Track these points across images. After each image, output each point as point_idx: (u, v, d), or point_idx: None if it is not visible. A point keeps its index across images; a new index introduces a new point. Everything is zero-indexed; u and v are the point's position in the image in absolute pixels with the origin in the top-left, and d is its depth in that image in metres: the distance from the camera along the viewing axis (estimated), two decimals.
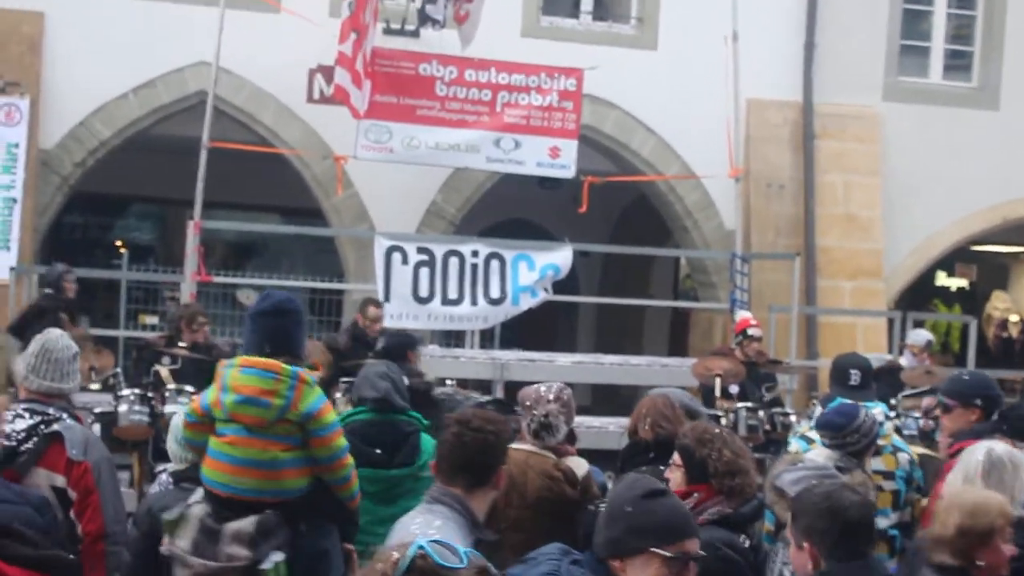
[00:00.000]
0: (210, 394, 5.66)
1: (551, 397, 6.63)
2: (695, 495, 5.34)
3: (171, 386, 10.70)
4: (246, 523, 5.38)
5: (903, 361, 13.30)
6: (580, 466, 6.40)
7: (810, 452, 6.86)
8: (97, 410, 10.36)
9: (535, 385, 6.85)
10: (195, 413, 5.71)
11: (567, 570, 4.00)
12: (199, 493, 5.58)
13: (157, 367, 11.09)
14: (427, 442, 6.78)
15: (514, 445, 6.39)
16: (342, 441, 5.75)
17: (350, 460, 5.76)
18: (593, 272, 21.30)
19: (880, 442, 7.17)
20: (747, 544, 5.30)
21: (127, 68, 15.98)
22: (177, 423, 6.15)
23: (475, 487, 4.99)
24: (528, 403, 6.64)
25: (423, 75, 15.73)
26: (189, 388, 10.51)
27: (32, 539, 3.32)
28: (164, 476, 6.57)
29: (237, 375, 5.57)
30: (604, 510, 4.12)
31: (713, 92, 16.33)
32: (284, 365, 5.59)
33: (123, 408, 10.34)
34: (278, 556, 5.30)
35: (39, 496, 5.66)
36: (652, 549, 3.88)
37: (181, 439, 5.99)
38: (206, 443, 5.68)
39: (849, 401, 7.33)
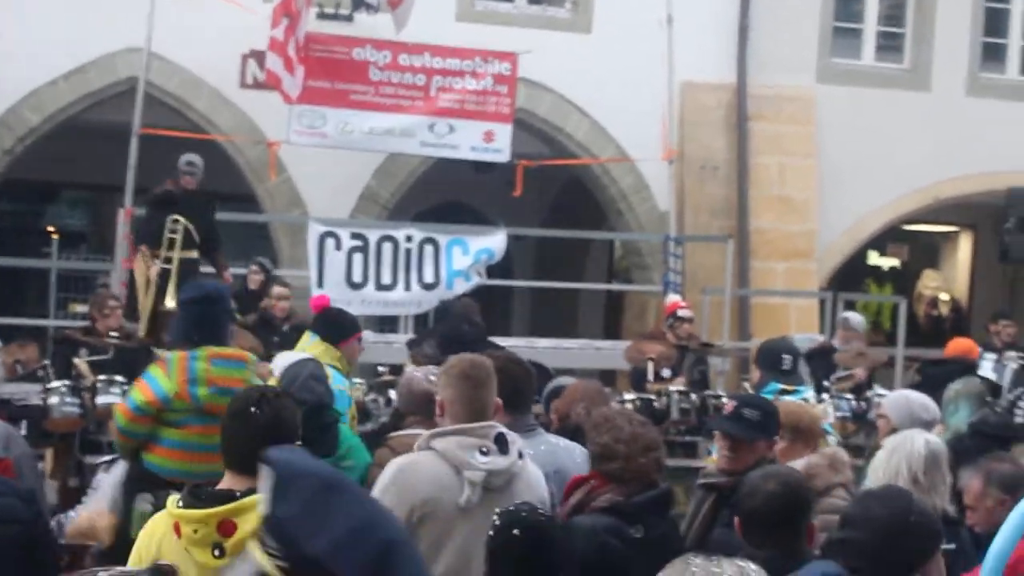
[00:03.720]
0: (167, 384, 5.72)
1: (431, 378, 6.51)
2: (591, 481, 5.28)
3: (101, 377, 10.59)
4: None
5: (835, 342, 13.42)
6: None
7: None
8: (25, 403, 10.24)
9: (423, 374, 6.80)
10: (150, 405, 5.77)
11: None
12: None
13: (75, 360, 10.95)
14: (346, 432, 6.83)
15: (403, 432, 6.39)
16: None
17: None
18: (528, 256, 21.31)
19: None
20: (639, 535, 5.09)
21: (57, 54, 15.80)
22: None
23: None
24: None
25: (357, 60, 15.70)
26: (119, 378, 10.44)
27: None
28: (113, 473, 6.49)
29: (210, 368, 5.70)
30: (875, 532, 4.19)
31: (647, 75, 16.40)
32: (248, 353, 5.78)
33: (54, 400, 10.23)
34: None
35: (28, 489, 5.64)
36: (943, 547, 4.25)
37: (120, 428, 5.96)
38: (145, 435, 5.72)
39: (782, 385, 7.43)
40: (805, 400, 7.29)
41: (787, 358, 7.56)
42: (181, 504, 4.11)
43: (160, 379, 5.79)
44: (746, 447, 5.61)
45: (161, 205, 13.15)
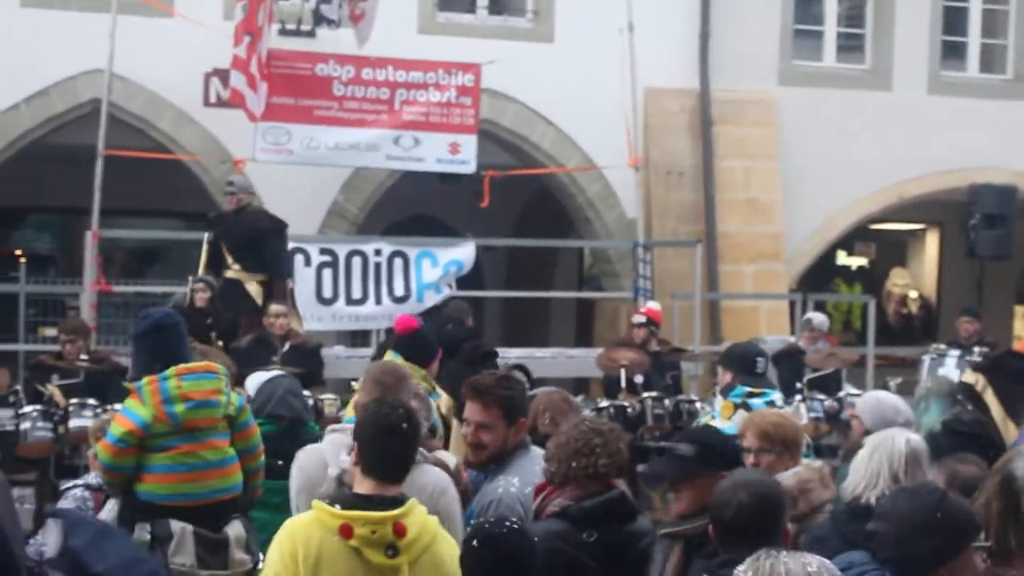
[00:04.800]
0: (143, 412, 5.74)
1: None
2: (548, 487, 5.33)
3: (73, 400, 10.57)
4: (238, 528, 5.81)
5: (803, 344, 13.48)
6: (450, 459, 6.42)
7: None
8: None
9: None
10: (131, 435, 5.78)
11: None
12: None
13: (48, 386, 10.92)
14: None
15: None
16: (259, 431, 6.17)
17: (263, 450, 6.13)
18: (498, 266, 21.34)
19: None
20: (591, 539, 5.12)
21: (17, 78, 15.73)
22: None
23: None
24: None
25: (320, 75, 15.66)
26: (92, 401, 10.42)
27: None
28: (78, 492, 6.52)
29: (181, 384, 5.76)
30: (901, 525, 4.30)
31: (610, 83, 16.41)
32: (216, 364, 5.85)
33: (26, 425, 10.22)
34: (262, 555, 5.56)
35: None
36: (974, 544, 4.25)
37: (106, 465, 5.93)
38: (132, 467, 5.74)
39: (750, 388, 7.47)
40: (772, 403, 7.32)
41: (760, 360, 7.60)
42: (339, 507, 4.45)
43: (136, 408, 5.80)
44: (688, 485, 5.24)
45: (210, 226, 13.60)
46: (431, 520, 4.66)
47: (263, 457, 6.14)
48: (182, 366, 5.86)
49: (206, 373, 5.88)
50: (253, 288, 13.28)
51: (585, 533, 5.11)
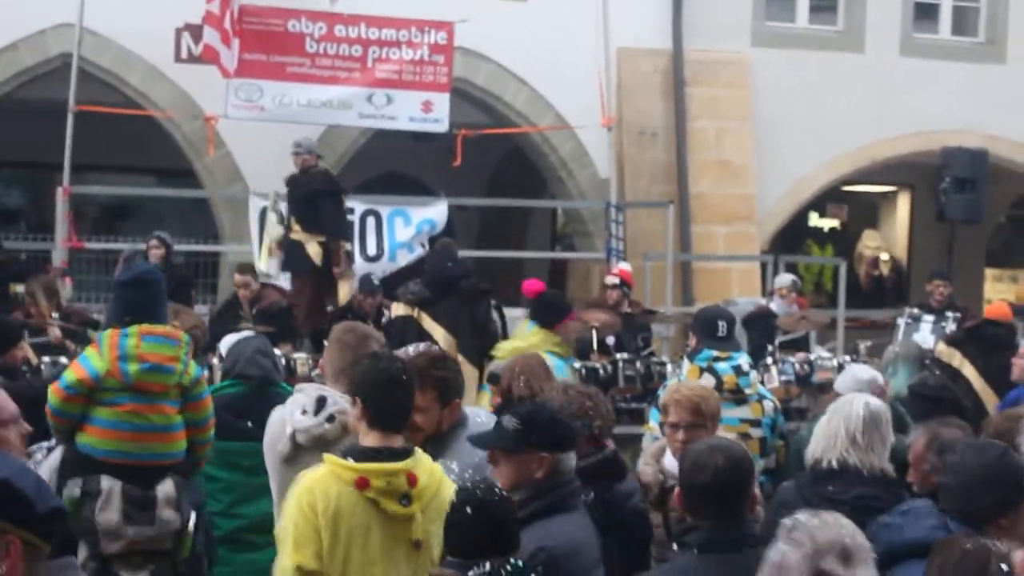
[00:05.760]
0: (99, 363, 5.75)
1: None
2: None
3: (46, 358, 10.54)
4: (168, 487, 5.77)
5: (773, 306, 13.51)
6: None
7: None
8: None
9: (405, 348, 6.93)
10: (82, 384, 5.79)
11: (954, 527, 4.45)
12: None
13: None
14: None
15: None
16: (211, 404, 6.16)
17: (214, 422, 6.14)
18: (470, 225, 21.30)
19: (747, 391, 7.35)
20: (590, 498, 5.21)
21: None
22: None
23: None
24: None
25: (292, 32, 15.61)
26: (64, 360, 10.39)
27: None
28: (41, 456, 6.51)
29: (140, 344, 5.77)
30: (967, 477, 4.57)
31: (584, 42, 16.39)
32: (180, 331, 5.84)
33: None
34: (195, 515, 5.74)
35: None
36: None
37: (53, 409, 5.94)
38: (79, 415, 5.74)
39: (716, 352, 7.50)
40: (738, 367, 7.35)
41: (722, 324, 7.59)
42: (352, 460, 4.58)
43: (92, 358, 5.82)
44: (508, 460, 4.87)
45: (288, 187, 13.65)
46: (436, 467, 4.82)
47: (212, 431, 6.14)
48: (146, 326, 5.86)
49: (167, 338, 5.88)
50: (312, 249, 13.22)
51: (583, 493, 5.16)
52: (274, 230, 13.92)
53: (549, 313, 8.16)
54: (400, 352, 5.48)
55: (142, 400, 5.80)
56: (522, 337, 8.06)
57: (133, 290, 6.07)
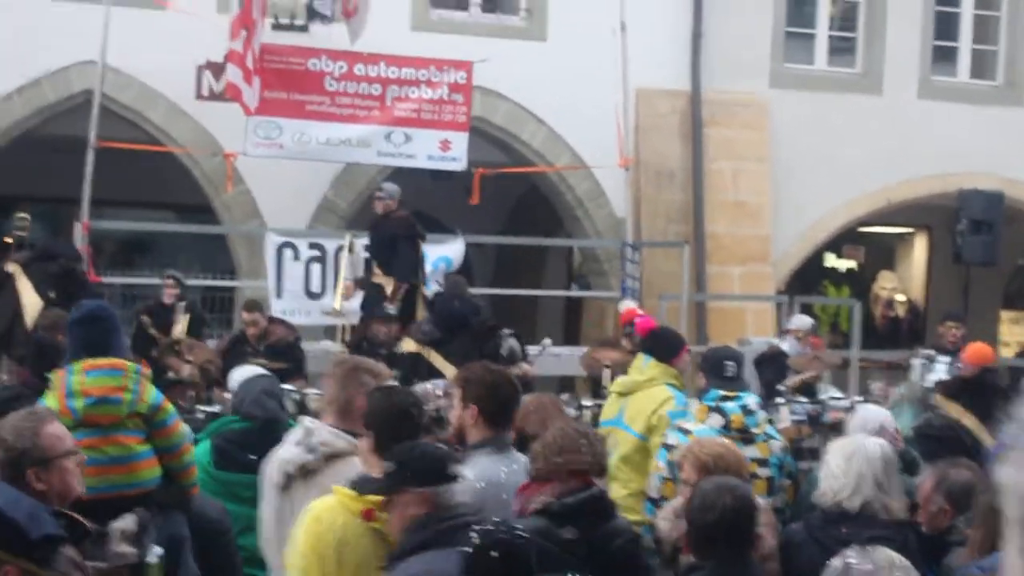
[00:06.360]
0: (51, 403, 5.84)
1: (439, 392, 6.86)
2: (531, 485, 5.41)
3: None
4: (128, 521, 5.65)
5: (785, 346, 13.52)
6: None
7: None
8: None
9: (432, 386, 7.13)
10: None
11: None
12: None
13: None
14: None
15: None
16: (184, 429, 6.24)
17: (191, 447, 6.24)
18: (487, 262, 21.38)
19: (754, 431, 7.37)
20: (572, 536, 5.14)
21: (10, 68, 15.76)
22: None
23: None
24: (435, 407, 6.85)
25: (312, 70, 15.74)
26: None
27: None
28: None
29: (84, 379, 5.85)
30: None
31: (602, 82, 16.46)
32: (126, 361, 5.91)
33: None
34: (159, 550, 5.60)
35: None
36: None
37: None
38: None
39: (724, 392, 7.53)
40: (745, 406, 7.38)
41: (730, 364, 7.62)
42: (359, 491, 4.69)
43: (47, 399, 5.94)
44: (395, 502, 4.70)
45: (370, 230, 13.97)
46: None
47: (188, 456, 6.20)
48: (89, 361, 5.96)
49: (110, 370, 5.97)
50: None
51: (565, 529, 5.17)
52: (350, 271, 14.14)
53: (665, 348, 8.37)
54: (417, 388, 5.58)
55: (95, 434, 5.86)
56: (639, 371, 8.14)
57: (86, 327, 6.19)
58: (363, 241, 14.30)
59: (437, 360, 11.17)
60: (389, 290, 13.35)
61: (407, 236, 13.60)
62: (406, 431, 4.90)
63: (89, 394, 5.85)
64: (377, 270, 13.54)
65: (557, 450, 5.34)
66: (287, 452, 5.51)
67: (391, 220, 13.60)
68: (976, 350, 11.17)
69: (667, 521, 6.09)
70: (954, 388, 10.08)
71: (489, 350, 10.99)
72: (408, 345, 11.77)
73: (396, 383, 6.08)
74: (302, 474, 5.41)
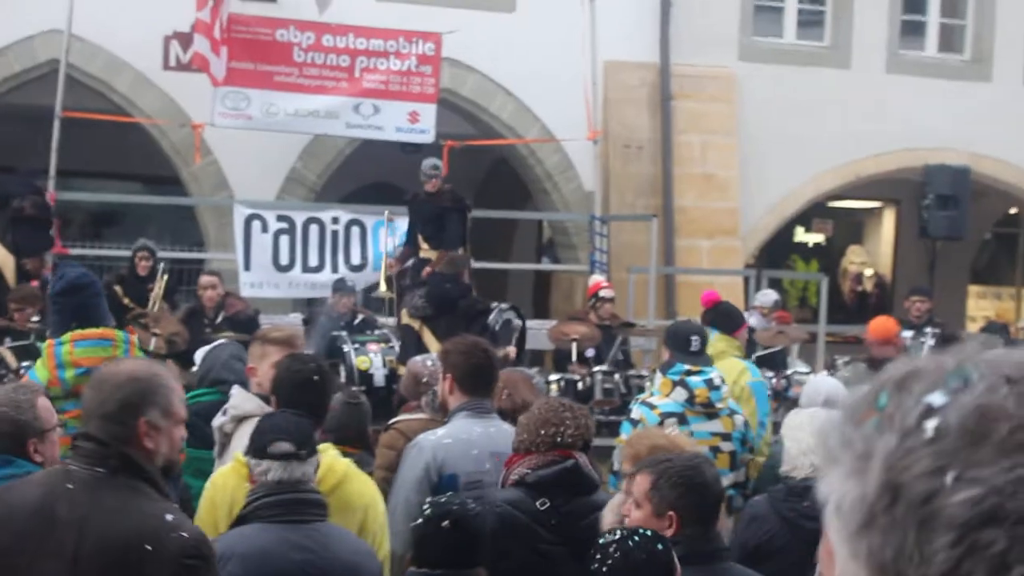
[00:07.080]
0: (42, 374, 5.84)
1: (428, 364, 7.11)
2: (514, 457, 5.50)
3: (25, 363, 10.58)
4: None
5: (752, 321, 13.56)
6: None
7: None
8: None
9: (423, 359, 7.26)
10: None
11: None
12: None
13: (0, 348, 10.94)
14: None
15: (408, 416, 6.70)
16: None
17: None
18: None
19: (718, 405, 7.41)
20: (544, 507, 5.27)
21: None
22: None
23: None
24: (425, 379, 6.96)
25: (280, 41, 15.67)
26: None
27: None
28: None
29: (73, 350, 5.85)
30: None
31: (571, 55, 16.45)
32: (115, 331, 5.91)
33: None
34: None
35: None
36: None
37: None
38: None
39: (688, 366, 7.56)
40: (710, 380, 7.40)
41: (694, 339, 7.64)
42: (251, 456, 4.72)
43: (37, 370, 5.97)
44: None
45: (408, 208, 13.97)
46: (340, 462, 5.11)
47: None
48: (78, 332, 5.99)
49: (99, 340, 5.99)
50: None
51: (539, 501, 5.26)
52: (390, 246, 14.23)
53: (729, 321, 8.88)
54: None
55: (81, 404, 5.89)
56: (708, 344, 8.26)
57: (70, 297, 6.22)
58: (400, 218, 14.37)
59: (426, 335, 11.41)
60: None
61: (457, 208, 13.66)
62: (307, 397, 5.12)
63: (79, 364, 5.87)
64: (423, 244, 13.49)
65: (541, 423, 5.41)
66: (217, 419, 5.84)
67: (437, 196, 13.59)
68: (878, 325, 11.02)
69: (613, 513, 6.10)
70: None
71: (475, 331, 11.03)
72: (403, 317, 12.04)
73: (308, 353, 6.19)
74: (223, 438, 5.78)
